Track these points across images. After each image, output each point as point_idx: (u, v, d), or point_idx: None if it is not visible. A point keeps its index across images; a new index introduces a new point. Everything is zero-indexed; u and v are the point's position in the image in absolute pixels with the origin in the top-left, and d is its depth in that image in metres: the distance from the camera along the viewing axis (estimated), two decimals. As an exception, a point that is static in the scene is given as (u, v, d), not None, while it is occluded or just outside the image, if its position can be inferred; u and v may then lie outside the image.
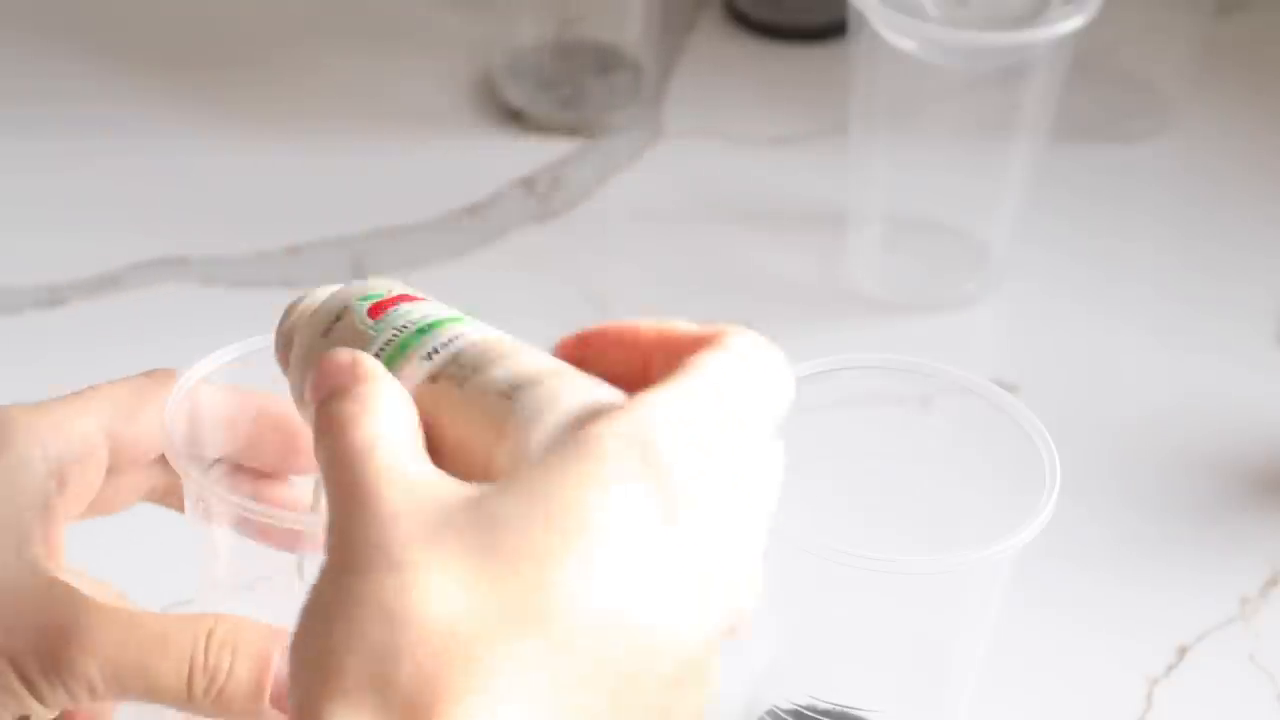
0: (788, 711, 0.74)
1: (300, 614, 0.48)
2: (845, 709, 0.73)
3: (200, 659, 0.59)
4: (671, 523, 0.47)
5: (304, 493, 0.67)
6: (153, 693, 0.59)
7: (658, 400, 0.48)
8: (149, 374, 0.65)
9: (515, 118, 1.08)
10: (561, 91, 1.08)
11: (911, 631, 0.73)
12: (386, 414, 0.50)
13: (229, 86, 1.10)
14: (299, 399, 0.57)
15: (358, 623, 0.46)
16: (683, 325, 0.52)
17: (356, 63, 1.12)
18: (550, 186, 1.04)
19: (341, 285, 0.58)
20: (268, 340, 0.62)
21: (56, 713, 0.60)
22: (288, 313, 0.59)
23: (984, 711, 0.78)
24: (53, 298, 0.96)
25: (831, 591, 0.71)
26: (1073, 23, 0.90)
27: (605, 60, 1.09)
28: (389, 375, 0.52)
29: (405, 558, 0.46)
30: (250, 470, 0.67)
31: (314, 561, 0.65)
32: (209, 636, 0.59)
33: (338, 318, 0.56)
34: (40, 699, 0.58)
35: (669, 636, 0.47)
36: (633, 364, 0.52)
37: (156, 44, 1.12)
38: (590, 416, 0.49)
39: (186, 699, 0.59)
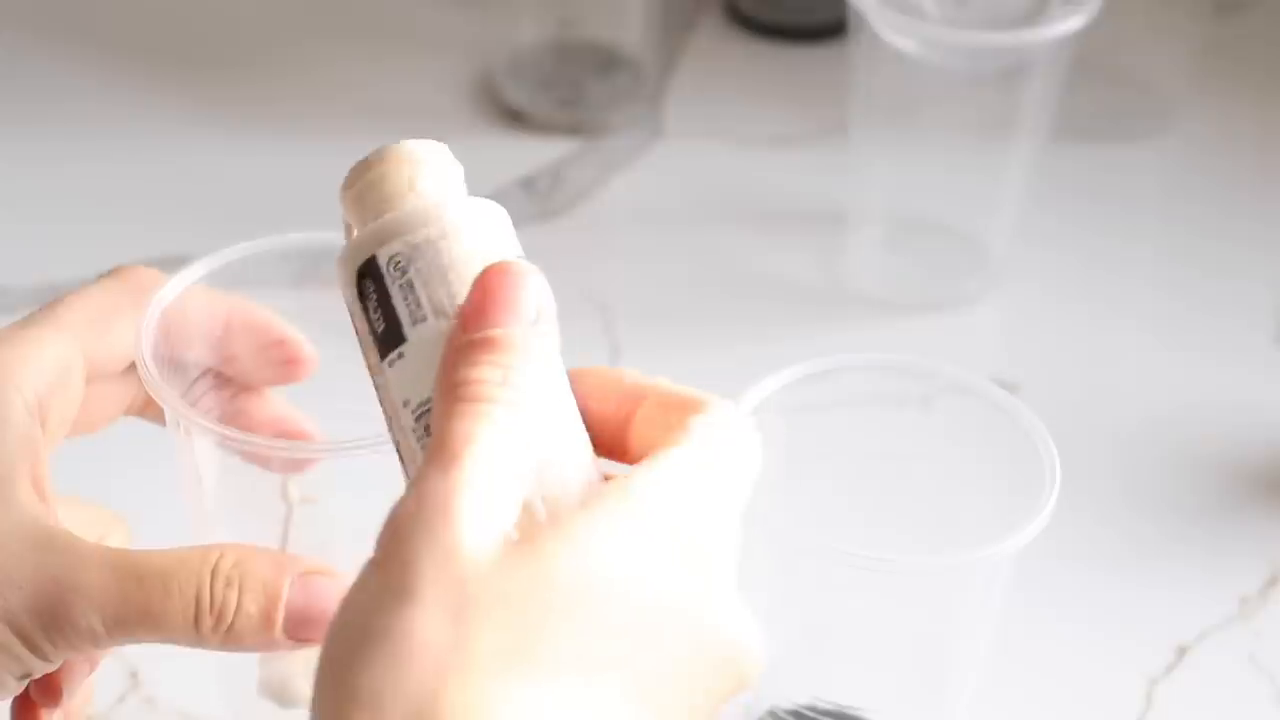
0: (788, 711, 0.74)
1: (342, 615, 0.47)
2: (845, 709, 0.73)
3: (206, 597, 0.56)
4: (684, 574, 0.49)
5: (280, 407, 0.66)
6: (159, 635, 0.57)
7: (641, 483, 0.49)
8: (121, 277, 0.62)
9: (515, 118, 1.08)
10: (561, 91, 1.08)
11: (911, 631, 0.73)
12: (527, 432, 0.49)
13: (229, 86, 1.10)
14: (374, 243, 0.52)
15: (404, 661, 0.45)
16: (665, 384, 0.52)
17: (357, 62, 1.12)
18: (550, 186, 1.04)
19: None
20: (241, 253, 0.63)
21: (58, 666, 0.58)
22: (414, 152, 0.54)
23: (984, 711, 0.78)
24: (53, 297, 0.95)
25: (831, 591, 0.71)
26: (1072, 23, 0.90)
27: (605, 60, 1.09)
28: (557, 371, 0.51)
29: (467, 606, 0.46)
30: (237, 383, 0.65)
31: (297, 483, 0.64)
32: (214, 573, 0.57)
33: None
34: (44, 657, 0.57)
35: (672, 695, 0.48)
36: (617, 410, 0.53)
37: (157, 44, 1.12)
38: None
39: (195, 638, 0.57)
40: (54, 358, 0.60)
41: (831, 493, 0.73)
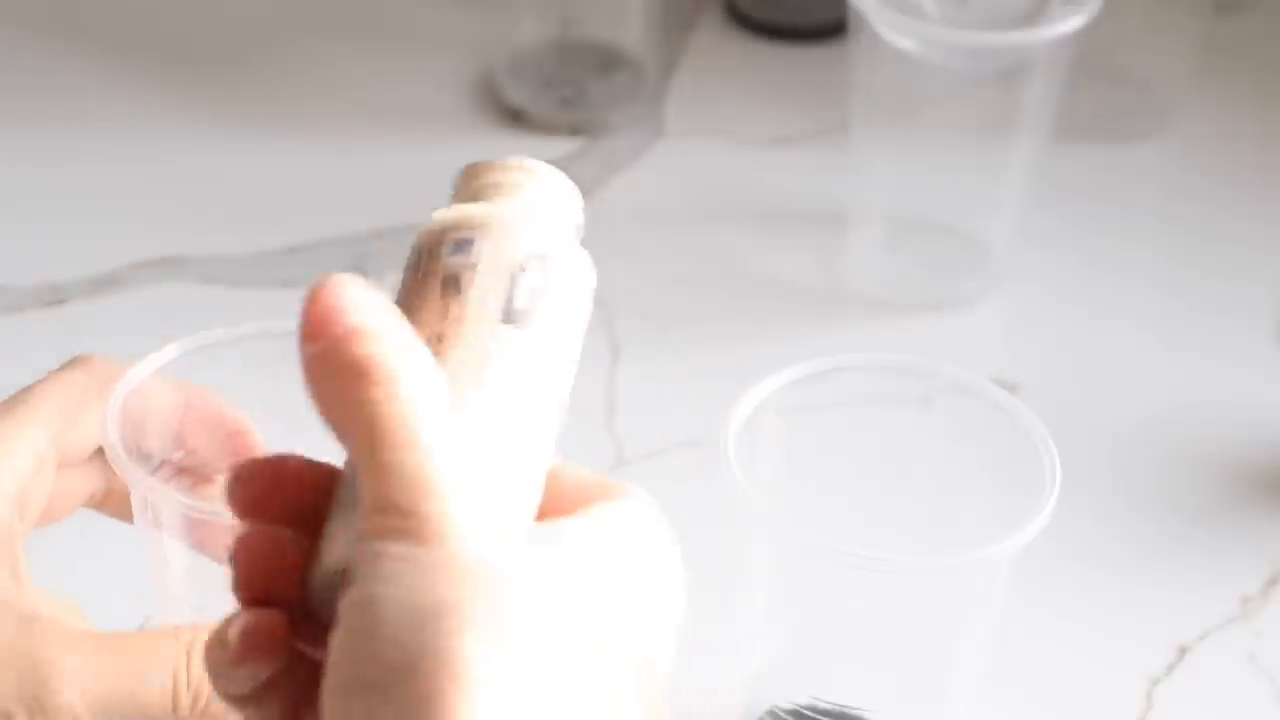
0: (788, 711, 0.74)
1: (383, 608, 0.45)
2: (845, 709, 0.73)
3: (183, 677, 0.59)
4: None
5: None
6: (139, 714, 0.59)
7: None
8: (85, 368, 0.64)
9: (516, 117, 1.08)
10: (562, 91, 1.08)
11: (911, 631, 0.73)
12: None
13: (230, 86, 1.10)
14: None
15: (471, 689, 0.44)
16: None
17: (357, 62, 1.12)
18: (551, 186, 1.04)
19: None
20: (209, 338, 0.64)
21: None
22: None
23: (984, 711, 0.78)
24: (53, 297, 0.96)
25: (831, 591, 0.71)
26: (1073, 23, 0.90)
27: (606, 60, 1.09)
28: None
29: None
30: (196, 474, 0.66)
31: None
32: (189, 653, 0.59)
33: None
34: None
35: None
36: None
37: (157, 43, 1.12)
38: None
39: (174, 717, 0.59)
40: (31, 446, 0.61)
41: (831, 493, 0.74)
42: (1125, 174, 1.07)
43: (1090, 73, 1.03)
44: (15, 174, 1.03)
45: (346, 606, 0.45)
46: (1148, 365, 0.96)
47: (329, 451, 0.51)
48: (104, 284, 0.96)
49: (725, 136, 1.09)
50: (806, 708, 0.73)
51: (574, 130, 1.07)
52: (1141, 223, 1.05)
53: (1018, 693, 0.79)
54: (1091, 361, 0.96)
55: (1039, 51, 0.91)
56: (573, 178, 0.59)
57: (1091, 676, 0.80)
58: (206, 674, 0.56)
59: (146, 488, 0.62)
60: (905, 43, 0.91)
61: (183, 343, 0.65)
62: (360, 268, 0.97)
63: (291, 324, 0.65)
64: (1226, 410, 0.93)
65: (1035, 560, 0.84)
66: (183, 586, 0.65)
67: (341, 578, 0.47)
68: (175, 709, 0.59)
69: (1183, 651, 0.81)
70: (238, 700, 0.48)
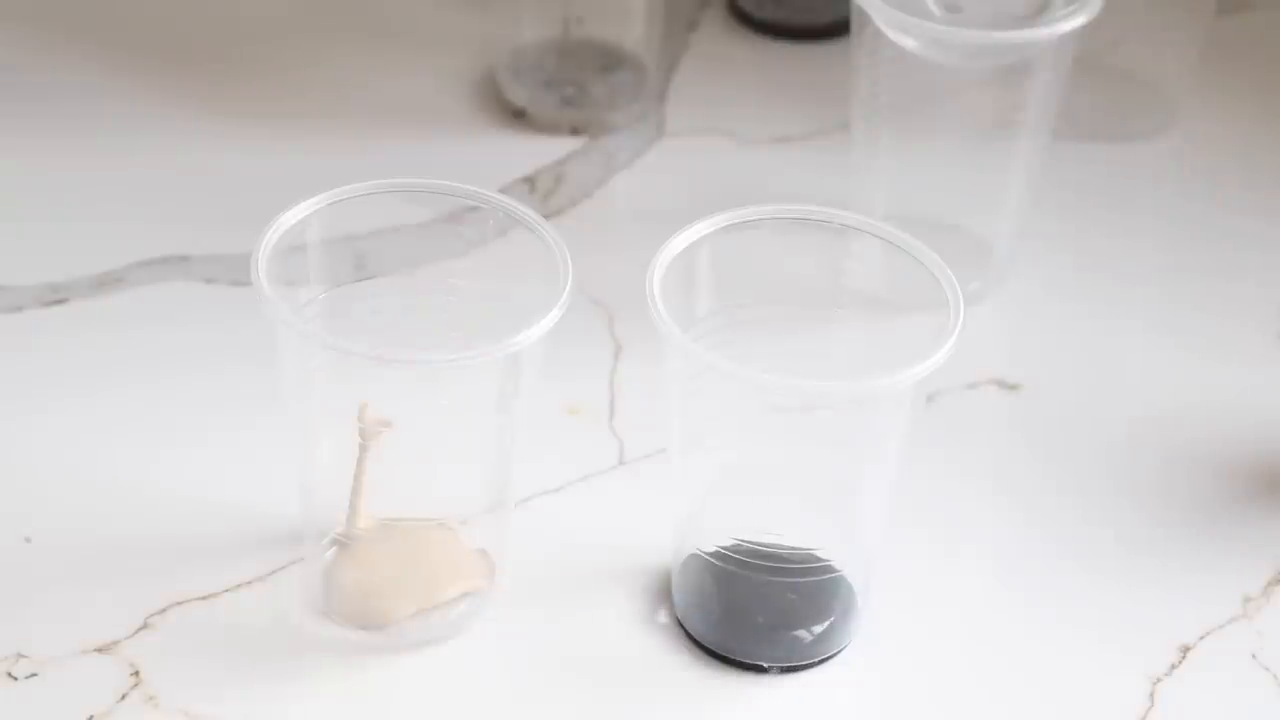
0: (709, 553, 0.78)
1: None
2: (763, 546, 0.78)
3: None
4: None
5: None
6: None
7: None
8: None
9: (518, 116, 1.08)
10: (564, 90, 1.08)
11: (824, 467, 0.77)
12: None
13: (231, 84, 1.10)
14: None
15: None
16: None
17: (360, 61, 1.12)
18: (552, 185, 1.04)
19: None
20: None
21: None
22: None
23: (986, 712, 0.78)
24: (55, 296, 0.95)
25: (745, 430, 0.76)
26: (1075, 21, 0.90)
27: (608, 59, 1.09)
28: None
29: None
30: None
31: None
32: None
33: None
34: None
35: None
36: None
37: (158, 43, 1.12)
38: None
39: None
40: None
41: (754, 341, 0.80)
42: (1128, 173, 1.07)
43: (1093, 71, 1.03)
44: (16, 173, 1.03)
45: None
46: (1148, 365, 0.96)
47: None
48: (105, 283, 0.96)
49: (727, 136, 1.08)
50: (728, 548, 0.78)
51: (575, 129, 1.07)
52: (1144, 222, 1.05)
53: (1020, 691, 0.79)
54: (1092, 361, 0.96)
55: (1041, 50, 0.91)
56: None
57: (1093, 675, 0.80)
58: None
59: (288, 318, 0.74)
60: (908, 41, 0.91)
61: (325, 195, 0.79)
62: (362, 266, 0.97)
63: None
64: (1226, 410, 0.93)
65: (1036, 560, 0.84)
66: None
67: None
68: None
69: (1185, 650, 0.81)
70: None
